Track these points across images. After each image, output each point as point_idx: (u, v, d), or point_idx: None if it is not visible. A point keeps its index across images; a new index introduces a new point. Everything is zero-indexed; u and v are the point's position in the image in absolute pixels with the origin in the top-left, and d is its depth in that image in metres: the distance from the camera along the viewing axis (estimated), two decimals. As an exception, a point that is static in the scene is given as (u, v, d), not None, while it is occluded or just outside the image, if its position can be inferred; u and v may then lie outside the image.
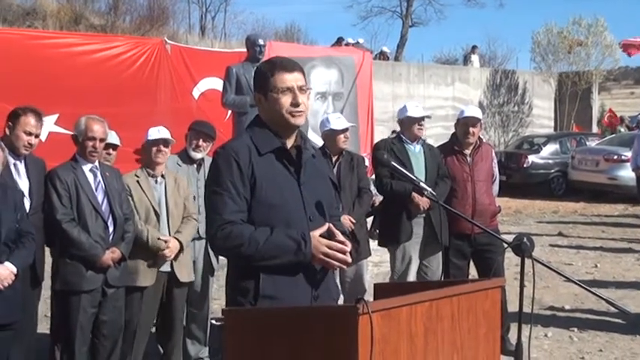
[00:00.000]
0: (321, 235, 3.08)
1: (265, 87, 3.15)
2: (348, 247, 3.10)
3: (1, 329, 4.45)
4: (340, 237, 3.09)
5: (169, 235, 5.49)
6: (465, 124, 6.24)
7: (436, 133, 16.77)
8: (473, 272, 6.51)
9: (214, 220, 3.05)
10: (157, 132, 5.57)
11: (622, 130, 22.31)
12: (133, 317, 5.40)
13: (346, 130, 6.12)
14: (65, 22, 20.20)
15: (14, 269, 4.44)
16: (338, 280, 6.14)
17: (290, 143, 3.21)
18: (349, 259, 3.10)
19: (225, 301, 3.57)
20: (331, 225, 3.13)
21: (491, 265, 5.95)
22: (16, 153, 4.95)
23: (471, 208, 6.08)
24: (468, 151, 6.28)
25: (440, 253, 6.21)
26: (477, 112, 6.37)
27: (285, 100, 3.12)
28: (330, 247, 3.06)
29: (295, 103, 3.13)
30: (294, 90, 3.13)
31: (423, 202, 5.93)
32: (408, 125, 6.19)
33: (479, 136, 6.37)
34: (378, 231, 6.58)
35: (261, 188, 3.07)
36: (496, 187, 6.52)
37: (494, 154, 6.59)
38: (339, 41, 21.65)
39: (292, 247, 3.00)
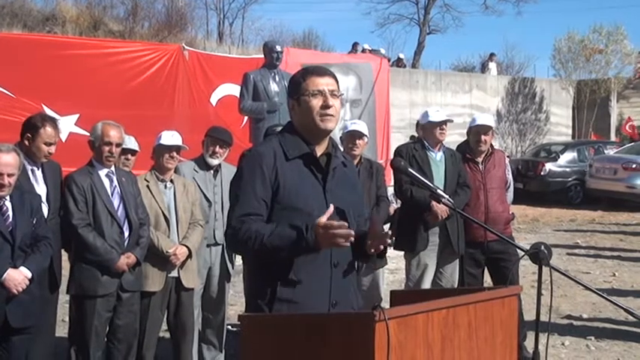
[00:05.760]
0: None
1: (298, 91, 3.17)
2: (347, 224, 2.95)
3: (17, 333, 4.48)
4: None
5: (178, 240, 5.50)
6: (477, 132, 6.21)
7: (453, 141, 16.59)
8: (488, 280, 6.48)
9: (229, 219, 3.12)
10: (171, 136, 5.55)
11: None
12: (140, 322, 5.40)
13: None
14: (84, 28, 20.30)
15: (29, 274, 4.45)
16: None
17: (320, 150, 3.20)
18: (352, 233, 2.92)
19: (244, 306, 3.57)
20: (332, 205, 3.02)
21: (506, 273, 5.91)
22: (33, 160, 4.96)
23: (483, 216, 6.03)
24: (480, 159, 6.25)
25: (456, 261, 6.18)
26: (488, 120, 6.35)
27: (316, 102, 3.12)
28: (331, 224, 2.91)
29: (325, 105, 3.11)
30: (325, 93, 3.13)
31: (442, 210, 5.88)
32: (430, 130, 6.15)
33: (491, 144, 6.34)
34: (394, 238, 6.54)
35: (284, 192, 3.07)
36: (510, 195, 6.48)
37: (507, 162, 6.55)
38: (354, 47, 21.64)
39: (295, 235, 2.95)
